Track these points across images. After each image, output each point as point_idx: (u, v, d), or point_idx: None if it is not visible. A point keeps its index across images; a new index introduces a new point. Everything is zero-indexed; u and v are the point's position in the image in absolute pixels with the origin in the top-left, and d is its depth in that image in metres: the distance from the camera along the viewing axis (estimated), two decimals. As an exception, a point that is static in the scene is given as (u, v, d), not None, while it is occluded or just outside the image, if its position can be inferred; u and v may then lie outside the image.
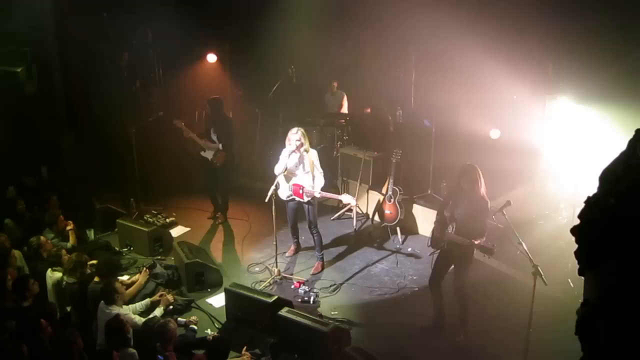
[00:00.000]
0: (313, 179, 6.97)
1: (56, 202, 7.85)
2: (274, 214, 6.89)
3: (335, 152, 9.57)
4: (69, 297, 6.20)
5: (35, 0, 9.10)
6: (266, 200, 6.76)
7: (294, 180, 7.01)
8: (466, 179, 5.65)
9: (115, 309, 5.61)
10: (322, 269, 7.43)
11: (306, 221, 7.26)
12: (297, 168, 6.98)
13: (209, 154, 8.35)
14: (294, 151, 6.86)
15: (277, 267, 7.18)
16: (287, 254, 7.74)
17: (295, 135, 6.88)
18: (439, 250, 6.00)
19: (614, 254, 1.93)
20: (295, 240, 7.74)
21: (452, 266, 6.00)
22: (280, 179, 6.95)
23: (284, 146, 7.02)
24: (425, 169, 8.56)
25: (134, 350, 5.01)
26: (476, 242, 5.53)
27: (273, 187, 6.73)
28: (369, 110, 9.64)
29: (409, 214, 8.33)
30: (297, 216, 7.34)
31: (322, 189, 7.02)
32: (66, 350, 4.70)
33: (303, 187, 6.93)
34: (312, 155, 6.99)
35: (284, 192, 7.07)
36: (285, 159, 6.91)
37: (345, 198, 7.08)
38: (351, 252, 7.91)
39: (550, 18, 8.42)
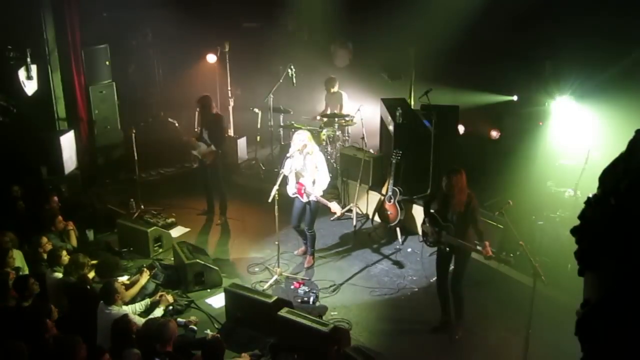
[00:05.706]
0: (314, 181, 6.99)
1: (56, 202, 7.85)
2: (276, 214, 6.89)
3: (335, 152, 9.57)
4: (69, 297, 6.19)
5: (36, 0, 9.09)
6: (269, 201, 6.77)
7: (300, 180, 7.05)
8: (448, 182, 5.70)
9: (114, 309, 5.60)
10: (313, 262, 7.52)
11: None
12: (302, 169, 7.00)
13: (199, 153, 8.39)
14: (295, 153, 6.89)
15: (278, 267, 7.18)
16: (296, 253, 7.76)
17: (298, 137, 6.91)
18: (436, 250, 6.14)
19: (614, 254, 1.93)
20: (305, 242, 7.62)
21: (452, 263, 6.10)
22: (290, 176, 7.02)
23: (283, 146, 7.03)
24: (425, 169, 8.54)
25: (138, 351, 5.00)
26: (490, 255, 5.63)
27: (275, 187, 6.74)
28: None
29: (409, 215, 8.32)
30: (301, 217, 7.27)
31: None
32: None
33: (305, 188, 6.96)
34: (317, 158, 6.99)
35: (291, 189, 7.13)
36: (290, 159, 6.93)
37: (333, 206, 7.08)
38: (351, 253, 7.90)
39: (550, 18, 8.43)
